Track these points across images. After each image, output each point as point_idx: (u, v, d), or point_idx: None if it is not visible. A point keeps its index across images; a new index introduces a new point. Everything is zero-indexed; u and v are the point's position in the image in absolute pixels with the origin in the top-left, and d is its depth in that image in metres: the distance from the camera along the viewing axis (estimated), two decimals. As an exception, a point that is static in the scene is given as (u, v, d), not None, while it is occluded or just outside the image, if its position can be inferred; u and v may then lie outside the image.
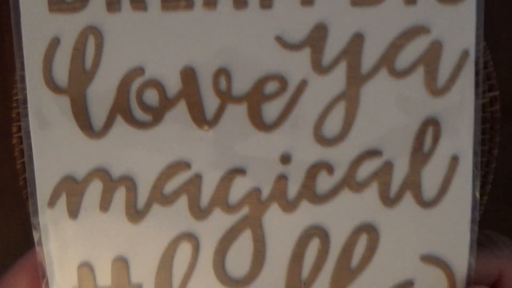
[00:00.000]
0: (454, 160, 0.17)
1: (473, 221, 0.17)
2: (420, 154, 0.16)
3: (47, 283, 0.17)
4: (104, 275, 0.17)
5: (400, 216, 0.17)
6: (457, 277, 0.17)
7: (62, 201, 0.16)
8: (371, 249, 0.17)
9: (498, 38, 0.36)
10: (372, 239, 0.17)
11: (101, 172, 0.16)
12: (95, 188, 0.16)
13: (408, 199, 0.17)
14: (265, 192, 0.16)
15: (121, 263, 0.16)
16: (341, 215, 0.17)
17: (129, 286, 0.17)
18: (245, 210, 0.17)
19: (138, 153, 0.16)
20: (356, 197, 0.16)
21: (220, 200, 0.16)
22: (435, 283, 0.17)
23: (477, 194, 0.17)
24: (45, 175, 0.16)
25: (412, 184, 0.16)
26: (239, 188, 0.16)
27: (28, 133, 0.16)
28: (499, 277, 0.18)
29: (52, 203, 0.16)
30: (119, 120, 0.16)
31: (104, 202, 0.16)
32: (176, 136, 0.16)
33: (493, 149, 0.34)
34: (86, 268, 0.17)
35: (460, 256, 0.17)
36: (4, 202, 0.31)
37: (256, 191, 0.16)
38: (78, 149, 0.16)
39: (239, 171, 0.16)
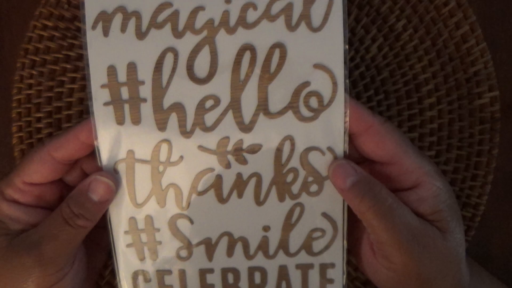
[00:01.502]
0: (331, 2, 0.24)
1: (344, 42, 0.25)
2: None
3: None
4: (121, 75, 0.25)
5: (299, 37, 0.25)
6: (337, 77, 0.25)
7: (100, 26, 0.25)
8: (282, 57, 0.25)
9: (498, 38, 0.36)
10: (282, 51, 0.25)
11: (121, 8, 0.25)
12: (118, 18, 0.25)
13: (303, 26, 0.25)
14: (216, 21, 0.25)
15: (132, 66, 0.25)
16: (262, 35, 0.25)
17: (137, 82, 0.25)
18: (204, 33, 0.25)
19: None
20: (271, 24, 0.25)
21: (190, 26, 0.25)
22: (323, 82, 0.25)
23: (346, 25, 0.25)
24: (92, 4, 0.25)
25: (305, 16, 0.25)
26: (201, 18, 0.25)
27: None
28: (367, 128, 0.25)
29: (94, 26, 0.25)
30: None
31: (123, 27, 0.25)
32: None
33: (493, 149, 0.34)
34: (112, 68, 0.25)
35: (338, 63, 0.25)
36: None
37: (211, 20, 0.25)
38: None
39: (201, 7, 0.25)
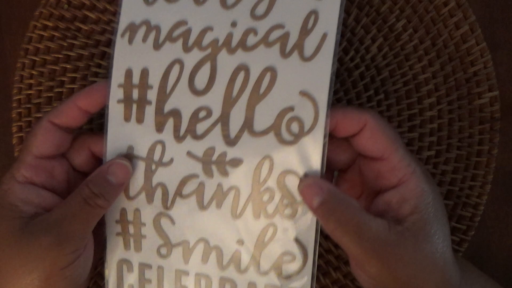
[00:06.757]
0: (324, 35, 0.26)
1: (332, 73, 0.26)
2: (305, 29, 0.26)
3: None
4: (136, 78, 0.28)
5: (290, 64, 0.27)
6: (319, 106, 0.26)
7: (127, 35, 0.28)
8: (272, 80, 0.27)
9: (498, 38, 0.36)
10: (273, 75, 0.27)
11: (146, 22, 0.28)
12: (142, 30, 0.28)
13: (295, 54, 0.27)
14: (220, 41, 0.27)
15: (145, 72, 0.28)
16: (258, 58, 0.27)
17: (146, 86, 0.28)
18: (209, 50, 0.27)
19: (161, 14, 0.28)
20: (267, 50, 0.27)
21: (198, 42, 0.28)
22: (306, 109, 0.26)
23: (335, 58, 0.26)
24: None
25: (299, 46, 0.26)
26: (208, 37, 0.27)
27: None
28: (363, 126, 0.26)
29: (123, 34, 0.28)
30: None
31: (144, 37, 0.28)
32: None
33: (493, 149, 0.34)
34: (129, 71, 0.28)
35: (323, 93, 0.26)
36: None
37: (216, 39, 0.27)
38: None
39: (210, 28, 0.27)
